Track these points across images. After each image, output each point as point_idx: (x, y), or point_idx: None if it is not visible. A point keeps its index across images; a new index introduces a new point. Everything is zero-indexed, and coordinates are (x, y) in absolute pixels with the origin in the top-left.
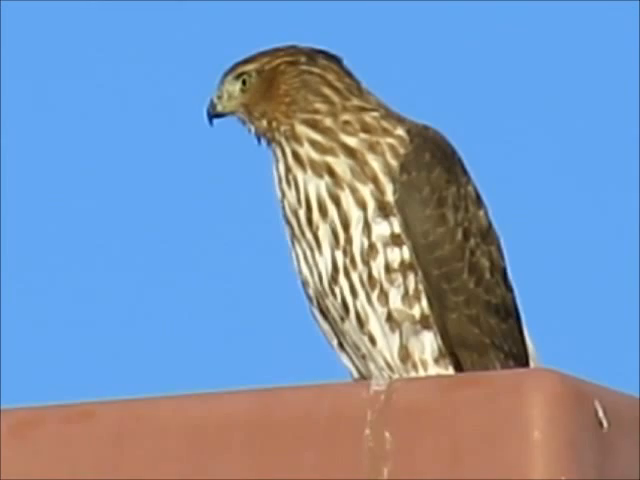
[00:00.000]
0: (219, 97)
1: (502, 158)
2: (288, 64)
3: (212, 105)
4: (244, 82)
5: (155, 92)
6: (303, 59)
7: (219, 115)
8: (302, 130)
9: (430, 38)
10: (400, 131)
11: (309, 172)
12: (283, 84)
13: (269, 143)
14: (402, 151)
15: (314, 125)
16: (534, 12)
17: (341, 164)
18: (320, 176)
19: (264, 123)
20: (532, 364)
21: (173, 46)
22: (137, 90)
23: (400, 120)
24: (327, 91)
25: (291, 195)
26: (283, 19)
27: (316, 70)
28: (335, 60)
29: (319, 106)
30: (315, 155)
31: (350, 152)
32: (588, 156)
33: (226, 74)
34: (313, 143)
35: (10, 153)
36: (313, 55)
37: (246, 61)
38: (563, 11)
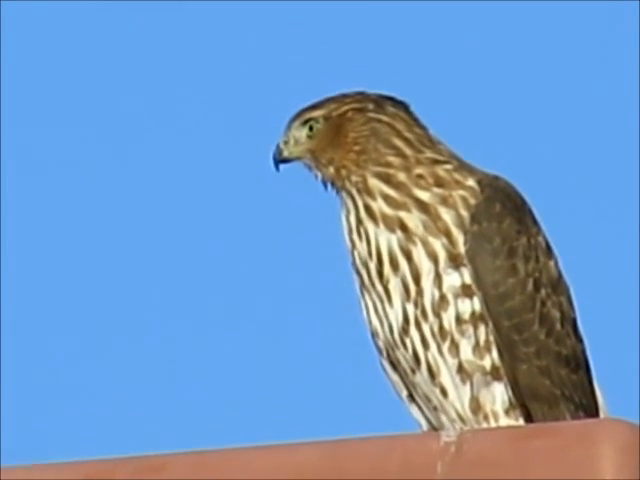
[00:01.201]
0: (286, 142)
1: (572, 207)
2: (356, 111)
3: (279, 150)
4: (311, 128)
5: (221, 137)
6: (371, 106)
7: (285, 160)
8: (375, 184)
9: (493, 86)
10: (471, 182)
11: (381, 226)
12: (351, 131)
13: (338, 191)
14: (473, 202)
15: (387, 179)
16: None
17: (414, 219)
18: (392, 230)
19: (331, 170)
20: (602, 415)
21: (241, 91)
22: (200, 134)
23: (471, 171)
24: (398, 143)
25: (362, 247)
26: (351, 64)
27: (385, 118)
28: (402, 106)
29: (392, 159)
30: (388, 210)
31: (423, 207)
32: None
33: (293, 120)
34: (386, 198)
35: (10, 154)
36: (381, 102)
37: (313, 107)
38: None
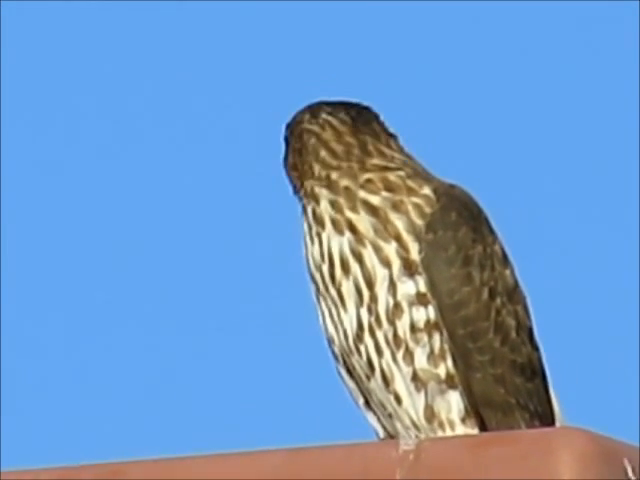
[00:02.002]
0: None
1: (529, 216)
2: (297, 123)
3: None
4: (285, 139)
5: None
6: (307, 116)
7: None
8: (320, 191)
9: (455, 97)
10: (426, 190)
11: (329, 229)
12: (293, 144)
13: (299, 201)
14: (428, 210)
15: (329, 186)
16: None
17: (363, 221)
18: (341, 233)
19: (291, 182)
20: (558, 424)
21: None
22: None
23: (427, 179)
24: (324, 154)
25: (315, 250)
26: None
27: (314, 128)
28: (348, 111)
29: (324, 173)
30: (334, 213)
31: (372, 210)
32: (618, 215)
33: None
34: (332, 202)
35: (10, 154)
36: (317, 110)
37: (290, 120)
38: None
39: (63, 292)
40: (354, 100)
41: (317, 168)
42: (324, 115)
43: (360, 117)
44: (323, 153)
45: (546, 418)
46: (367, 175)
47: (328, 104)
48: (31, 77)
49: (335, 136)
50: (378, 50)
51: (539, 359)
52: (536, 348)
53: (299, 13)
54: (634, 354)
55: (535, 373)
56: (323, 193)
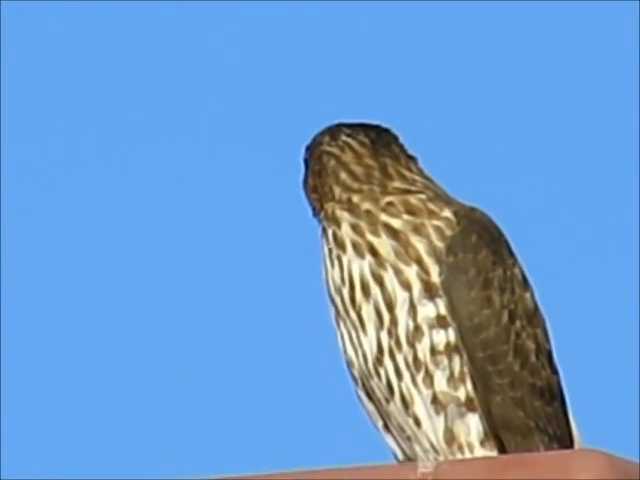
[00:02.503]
0: None
1: (549, 240)
2: (316, 145)
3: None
4: (305, 161)
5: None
6: (326, 138)
7: None
8: (341, 214)
9: (480, 123)
10: (447, 213)
11: (350, 252)
12: (312, 166)
13: (319, 223)
14: (449, 233)
15: (351, 209)
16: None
17: (384, 245)
18: (362, 256)
19: (312, 203)
20: (576, 447)
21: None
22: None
23: (447, 202)
24: (344, 177)
25: (335, 274)
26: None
27: (334, 150)
28: (367, 133)
29: (345, 196)
30: (356, 237)
31: (393, 233)
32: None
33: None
34: (353, 226)
35: (9, 153)
36: (337, 132)
37: (310, 142)
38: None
39: (62, 293)
40: (373, 122)
41: (338, 191)
42: (344, 137)
43: (380, 139)
44: (343, 175)
45: (565, 441)
46: (388, 198)
47: (347, 126)
48: (31, 77)
49: (355, 158)
50: (397, 72)
51: (558, 383)
52: (555, 372)
53: (320, 33)
54: None
55: (554, 396)
56: (344, 216)
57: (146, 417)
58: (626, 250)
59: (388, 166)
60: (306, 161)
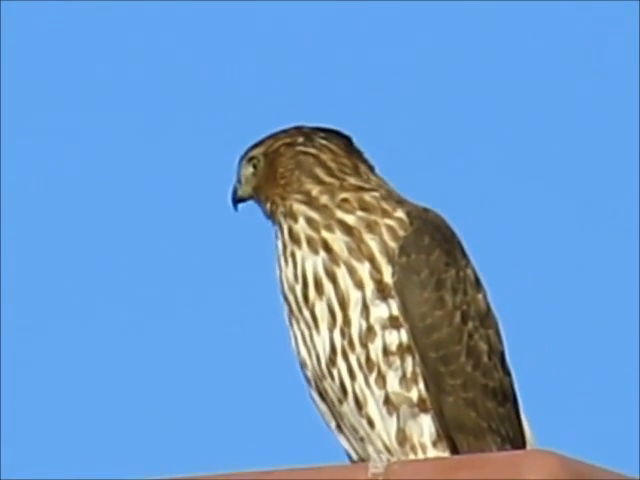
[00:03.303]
0: (239, 182)
1: (502, 241)
2: (286, 146)
3: (234, 190)
4: (254, 166)
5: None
6: (300, 139)
7: (242, 200)
8: (298, 208)
9: (432, 120)
10: (400, 213)
11: (305, 248)
12: (280, 166)
13: (273, 225)
14: (401, 233)
15: (309, 203)
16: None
17: (337, 241)
18: (316, 252)
19: (267, 206)
20: (529, 448)
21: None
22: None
23: (400, 202)
24: (319, 171)
25: (288, 271)
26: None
27: (311, 150)
28: (340, 139)
29: (310, 187)
30: (311, 232)
31: (347, 229)
32: (588, 238)
33: (241, 159)
34: (309, 220)
35: (9, 153)
36: (312, 135)
37: (255, 145)
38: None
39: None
40: (329, 127)
41: (307, 182)
42: (319, 140)
43: (349, 143)
44: (318, 170)
45: (517, 442)
46: (344, 194)
47: (315, 129)
48: (31, 77)
49: (332, 157)
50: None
51: (510, 383)
52: (508, 373)
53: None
54: (606, 378)
55: (506, 397)
56: (301, 210)
57: (144, 417)
58: (578, 250)
59: (359, 167)
60: (251, 160)
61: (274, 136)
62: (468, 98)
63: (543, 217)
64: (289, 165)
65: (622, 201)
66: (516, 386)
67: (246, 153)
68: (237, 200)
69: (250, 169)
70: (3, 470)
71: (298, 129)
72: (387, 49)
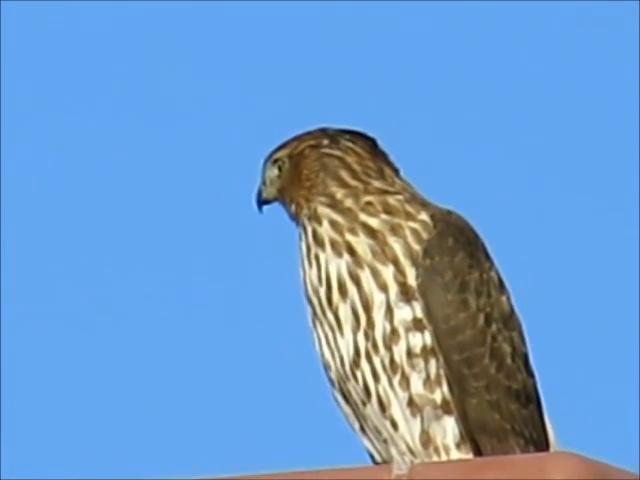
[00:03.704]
0: (264, 184)
1: (525, 243)
2: (311, 148)
3: (259, 192)
4: (279, 168)
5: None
6: (325, 142)
7: (266, 202)
8: (323, 211)
9: (458, 126)
10: (424, 216)
11: (329, 251)
12: (305, 168)
13: (297, 226)
14: (425, 236)
15: (334, 206)
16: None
17: (361, 243)
18: (340, 255)
19: (292, 208)
20: (552, 450)
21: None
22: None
23: (424, 205)
24: (344, 174)
25: (312, 273)
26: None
27: (336, 153)
28: (365, 141)
29: (335, 190)
30: (335, 235)
31: (371, 232)
32: (611, 238)
33: (266, 161)
34: (333, 223)
35: (9, 153)
36: (337, 137)
37: (280, 147)
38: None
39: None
40: (355, 129)
41: (332, 185)
42: (345, 142)
43: (375, 145)
44: (343, 173)
45: (541, 444)
46: (368, 198)
47: (341, 131)
48: (30, 77)
49: (358, 159)
50: (369, 76)
51: (534, 385)
52: (531, 375)
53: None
54: (629, 380)
55: (530, 399)
56: (325, 213)
57: (143, 416)
58: (602, 255)
59: (384, 170)
60: (277, 164)
61: (299, 138)
62: (492, 100)
63: (566, 219)
64: (314, 167)
65: None
66: (539, 388)
67: (271, 155)
68: (262, 202)
69: (275, 171)
70: (3, 470)
71: (323, 131)
72: (412, 50)
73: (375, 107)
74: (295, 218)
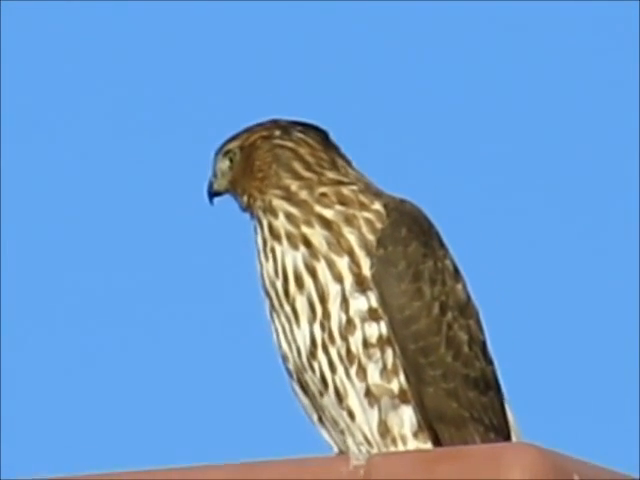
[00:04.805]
0: (215, 176)
1: (480, 231)
2: (263, 139)
3: (210, 184)
4: (231, 160)
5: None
6: (277, 133)
7: (218, 194)
8: (278, 203)
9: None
10: (377, 206)
11: (285, 244)
12: (257, 160)
13: (252, 218)
14: (379, 226)
15: (289, 198)
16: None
17: (317, 235)
18: (296, 247)
19: (245, 199)
20: (513, 436)
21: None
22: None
23: (378, 194)
24: (297, 166)
25: (269, 266)
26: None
27: (289, 144)
28: (317, 133)
29: (289, 182)
30: (290, 227)
31: (326, 223)
32: (563, 225)
33: (217, 152)
34: (288, 215)
35: (8, 153)
36: (289, 128)
37: (231, 138)
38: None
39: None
40: (308, 121)
41: (286, 177)
42: (297, 133)
43: (326, 137)
44: (296, 165)
45: (501, 431)
46: (322, 189)
47: (293, 123)
48: (30, 77)
49: (310, 151)
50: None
51: (493, 372)
52: (489, 362)
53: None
54: (588, 369)
55: (489, 386)
56: (281, 206)
57: (141, 415)
58: (555, 239)
59: (337, 161)
60: (227, 153)
61: (250, 129)
62: (443, 89)
63: (519, 206)
64: (266, 158)
65: (591, 187)
66: (499, 375)
67: (222, 147)
68: (213, 194)
69: (226, 163)
70: (3, 470)
71: (275, 122)
72: (358, 42)
73: (325, 100)
74: (247, 210)
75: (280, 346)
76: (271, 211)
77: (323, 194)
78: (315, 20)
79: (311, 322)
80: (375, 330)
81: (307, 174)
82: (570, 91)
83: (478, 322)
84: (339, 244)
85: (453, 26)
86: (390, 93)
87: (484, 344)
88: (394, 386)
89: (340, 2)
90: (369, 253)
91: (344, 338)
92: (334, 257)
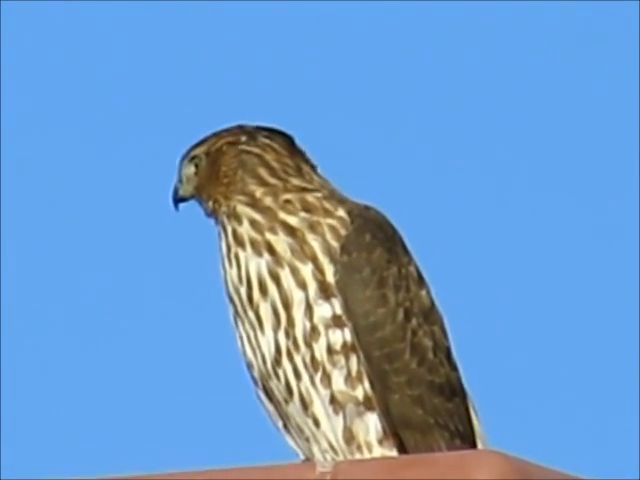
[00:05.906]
0: (180, 181)
1: (444, 237)
2: (229, 144)
3: (175, 190)
4: (196, 165)
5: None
6: (243, 138)
7: (183, 199)
8: (242, 209)
9: (374, 119)
10: (341, 212)
11: (249, 250)
12: (222, 165)
13: (216, 224)
14: (343, 232)
15: (253, 204)
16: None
17: (281, 242)
18: (260, 254)
19: (210, 204)
20: (480, 442)
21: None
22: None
23: (342, 201)
24: (262, 172)
25: (233, 273)
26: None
27: (255, 150)
28: (283, 138)
29: (254, 188)
30: (254, 234)
31: (290, 230)
32: (529, 232)
33: (182, 158)
34: (253, 222)
35: (8, 153)
36: (254, 134)
37: (198, 144)
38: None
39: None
40: (272, 126)
41: (251, 183)
42: (263, 138)
43: (292, 143)
44: (262, 171)
45: (467, 437)
46: (287, 195)
47: (258, 128)
48: (30, 77)
49: (276, 157)
50: (282, 74)
51: (458, 379)
52: (454, 368)
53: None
54: (555, 374)
55: (454, 393)
56: (245, 212)
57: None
58: (520, 244)
59: (302, 167)
60: (193, 159)
61: (216, 135)
62: (407, 93)
63: (486, 213)
64: (232, 164)
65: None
66: (464, 381)
67: (188, 152)
68: (178, 200)
69: (192, 168)
70: (3, 470)
71: (241, 128)
72: (324, 44)
73: (292, 105)
74: (213, 215)
75: (245, 353)
76: (235, 217)
77: (287, 201)
78: (282, 23)
79: (275, 329)
80: (339, 337)
81: (272, 180)
82: (570, 91)
83: (442, 328)
84: (303, 251)
85: (419, 26)
86: (357, 97)
87: (449, 350)
88: (359, 393)
89: (301, 3)
90: (333, 260)
91: (308, 345)
92: (298, 264)
